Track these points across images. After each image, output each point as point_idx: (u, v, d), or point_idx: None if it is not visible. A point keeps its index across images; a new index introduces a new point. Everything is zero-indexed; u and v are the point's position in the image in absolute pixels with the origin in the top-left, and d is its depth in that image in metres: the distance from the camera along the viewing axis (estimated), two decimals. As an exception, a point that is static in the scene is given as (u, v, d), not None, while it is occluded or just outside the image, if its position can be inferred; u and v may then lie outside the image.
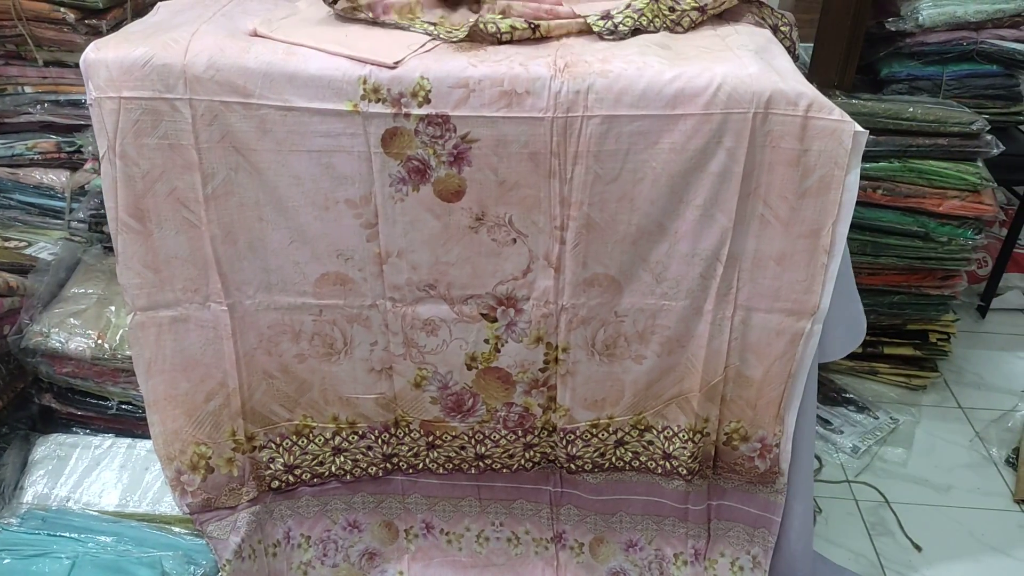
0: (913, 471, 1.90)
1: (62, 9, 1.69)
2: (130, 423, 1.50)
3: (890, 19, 2.16)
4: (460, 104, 1.12)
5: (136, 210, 1.20)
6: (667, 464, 1.40)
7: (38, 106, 1.81)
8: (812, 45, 2.18)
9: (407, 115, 1.14)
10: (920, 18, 2.06)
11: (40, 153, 1.82)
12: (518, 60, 1.14)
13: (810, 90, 1.16)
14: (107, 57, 1.15)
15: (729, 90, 1.14)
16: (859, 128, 1.16)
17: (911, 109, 1.93)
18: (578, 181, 1.17)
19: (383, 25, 1.23)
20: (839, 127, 1.16)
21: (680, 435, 1.38)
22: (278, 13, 1.27)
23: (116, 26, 1.74)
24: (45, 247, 1.65)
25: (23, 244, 1.66)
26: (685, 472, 1.39)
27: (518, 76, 1.12)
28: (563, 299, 1.26)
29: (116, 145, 1.17)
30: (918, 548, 1.69)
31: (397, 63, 1.13)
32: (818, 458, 1.88)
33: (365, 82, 1.12)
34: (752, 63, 1.17)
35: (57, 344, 1.43)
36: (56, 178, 1.82)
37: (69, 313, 1.46)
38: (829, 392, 2.09)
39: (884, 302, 2.09)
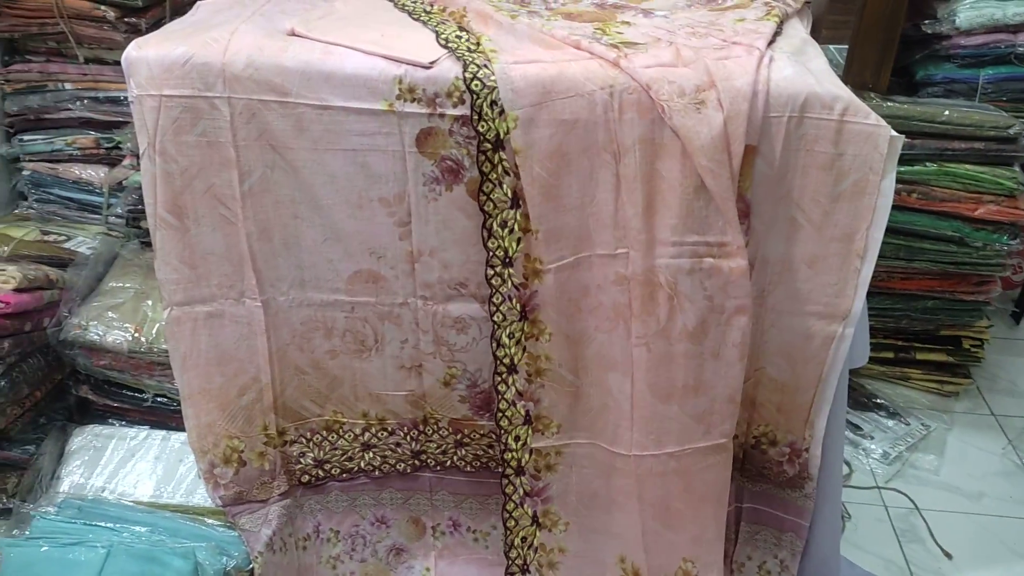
0: (945, 478, 1.88)
1: (103, 7, 1.73)
2: (164, 416, 1.53)
3: (926, 21, 2.14)
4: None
5: (174, 206, 1.22)
6: (695, 466, 1.40)
7: (78, 102, 1.85)
8: (847, 46, 2.17)
9: (442, 115, 1.15)
10: (957, 20, 2.04)
11: (79, 149, 1.87)
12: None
13: (846, 93, 1.16)
14: (148, 55, 1.17)
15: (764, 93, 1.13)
16: (895, 133, 1.15)
17: (947, 112, 1.91)
18: None
19: (422, 22, 1.25)
20: (875, 131, 1.16)
21: None
22: (315, 13, 1.29)
23: (155, 24, 1.78)
24: (84, 241, 1.68)
25: (62, 238, 1.69)
26: (713, 474, 1.39)
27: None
28: None
29: (156, 142, 1.19)
30: (948, 556, 1.68)
31: (432, 63, 1.14)
32: (848, 463, 1.87)
33: (400, 82, 1.13)
34: (788, 66, 1.17)
35: (95, 337, 1.46)
36: (94, 173, 1.86)
37: (107, 307, 1.49)
38: (860, 397, 2.07)
39: (917, 307, 2.07)
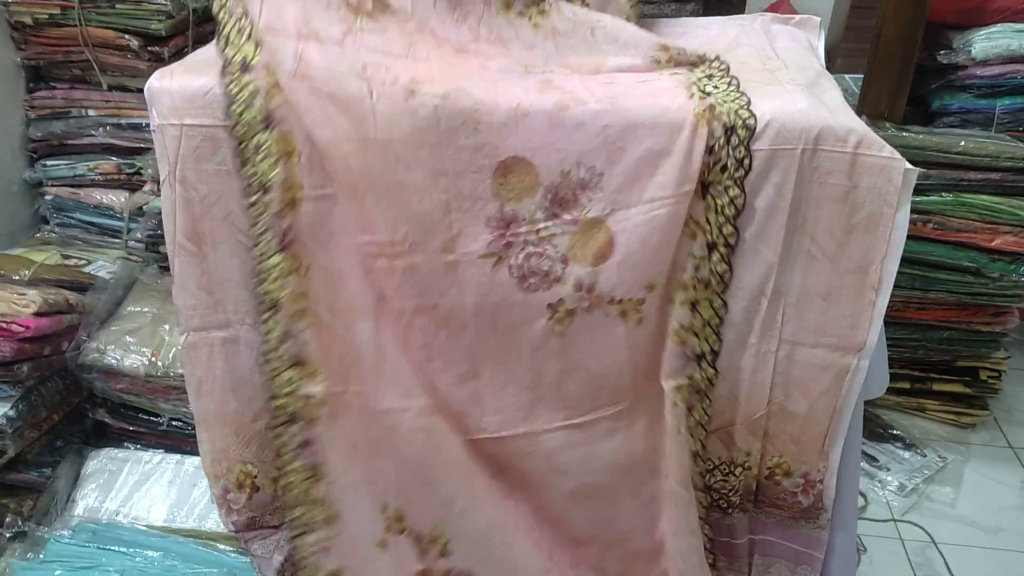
0: (962, 511, 1.86)
1: (127, 36, 1.77)
2: (179, 439, 1.54)
3: (942, 51, 2.15)
4: None
5: (193, 233, 1.23)
6: (707, 497, 1.39)
7: (100, 129, 1.88)
8: (863, 76, 2.17)
9: None
10: (973, 51, 2.04)
11: (101, 174, 1.90)
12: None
13: (860, 126, 1.16)
14: (170, 86, 1.19)
15: (778, 126, 1.14)
16: (909, 166, 1.15)
17: (963, 143, 1.91)
18: None
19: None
20: (889, 164, 1.16)
21: (720, 468, 1.37)
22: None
23: (177, 53, 1.81)
24: (103, 266, 1.70)
25: (82, 262, 1.71)
26: (725, 505, 1.38)
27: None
28: None
29: (177, 170, 1.20)
30: (965, 591, 1.66)
31: None
32: (863, 495, 1.85)
33: None
34: (801, 99, 1.17)
35: (113, 361, 1.47)
36: (115, 199, 1.89)
37: (125, 331, 1.50)
38: (876, 428, 2.05)
39: (933, 337, 2.05)
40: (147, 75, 1.78)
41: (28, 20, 1.80)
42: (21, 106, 1.91)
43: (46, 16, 1.79)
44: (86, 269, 1.69)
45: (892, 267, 1.20)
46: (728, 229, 1.21)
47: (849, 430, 1.30)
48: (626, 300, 1.24)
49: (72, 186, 1.92)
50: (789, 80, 1.23)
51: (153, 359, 1.47)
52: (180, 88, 1.19)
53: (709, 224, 1.21)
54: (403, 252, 1.20)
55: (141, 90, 1.84)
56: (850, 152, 1.15)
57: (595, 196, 1.19)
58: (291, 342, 1.25)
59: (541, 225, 1.21)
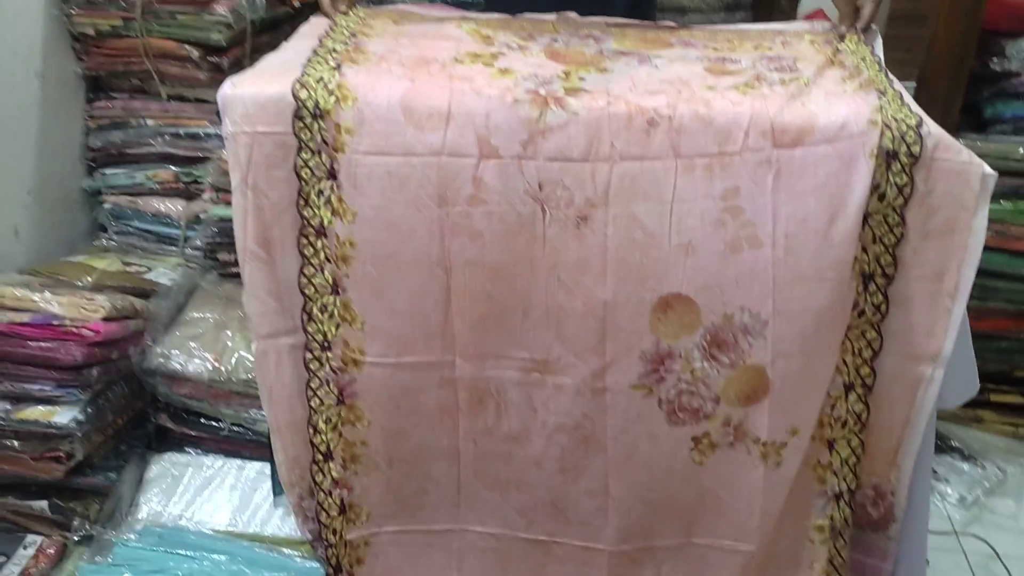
0: (1024, 525, 1.82)
1: (187, 47, 1.78)
2: (239, 445, 1.54)
3: (995, 59, 2.11)
4: None
5: (263, 240, 1.24)
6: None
7: (159, 138, 1.90)
8: (914, 84, 2.14)
9: None
10: (1026, 58, 2.01)
11: (159, 183, 1.91)
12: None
13: (937, 130, 1.14)
14: (243, 93, 1.20)
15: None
16: (988, 170, 1.14)
17: (1022, 150, 1.88)
18: None
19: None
20: (966, 168, 1.14)
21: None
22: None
23: (235, 63, 1.82)
24: (164, 273, 1.71)
25: (143, 269, 1.73)
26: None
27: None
28: None
29: (248, 177, 1.21)
30: (1033, 606, 1.62)
31: None
32: (922, 507, 1.81)
33: None
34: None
35: (177, 366, 1.48)
36: (173, 207, 1.90)
37: (188, 336, 1.51)
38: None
39: (991, 347, 2.01)
40: (206, 85, 1.82)
41: (90, 31, 1.82)
42: (81, 116, 1.93)
43: (108, 27, 1.81)
44: (147, 276, 1.70)
45: (969, 273, 1.18)
46: (865, 370, 1.23)
47: (922, 444, 1.28)
48: (769, 443, 1.26)
49: (130, 194, 1.93)
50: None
51: (216, 364, 1.47)
52: (252, 96, 1.20)
53: (846, 365, 1.23)
54: (556, 370, 1.25)
55: (200, 100, 1.88)
56: (927, 156, 1.13)
57: (757, 343, 1.21)
58: (343, 490, 1.33)
59: (697, 365, 1.23)
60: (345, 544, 1.35)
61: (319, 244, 1.22)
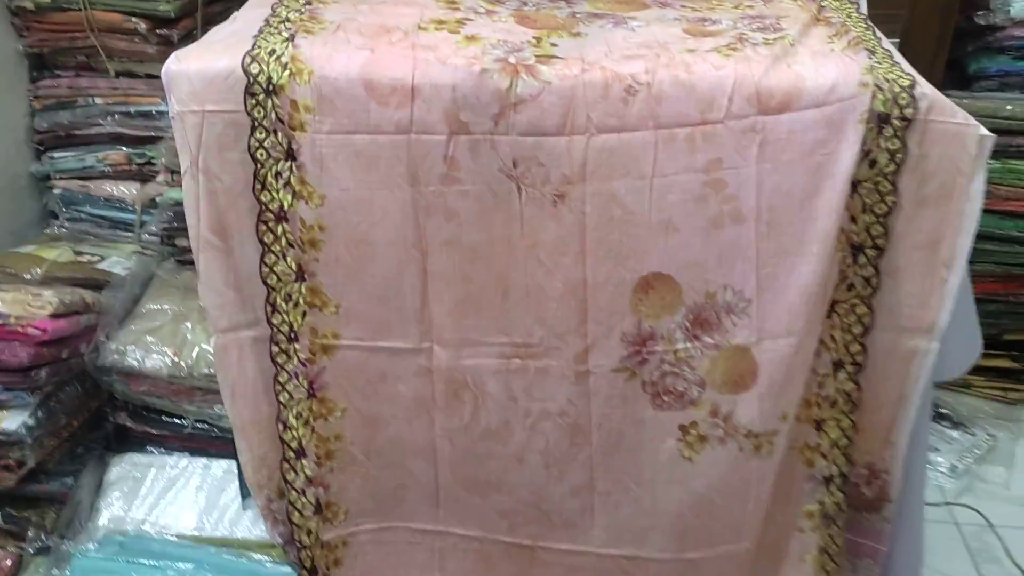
0: (1017, 492, 1.80)
1: (134, 19, 1.69)
2: (205, 442, 1.48)
3: (979, 12, 2.06)
4: None
5: (218, 226, 1.17)
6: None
7: (108, 117, 1.81)
8: (897, 40, 2.08)
9: None
10: (1012, 10, 1.95)
11: (111, 165, 1.83)
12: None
13: (931, 91, 1.09)
14: (189, 69, 1.12)
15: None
16: (985, 131, 1.08)
17: (1009, 107, 1.84)
18: None
19: None
20: (962, 131, 1.09)
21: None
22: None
23: (186, 36, 1.73)
24: (118, 262, 1.63)
25: (96, 259, 1.64)
26: (783, 496, 1.32)
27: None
28: None
29: (199, 160, 1.13)
30: (1028, 576, 1.60)
31: None
32: (913, 478, 1.79)
33: None
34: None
35: (134, 362, 1.41)
36: (127, 191, 1.82)
37: (145, 330, 1.44)
38: (921, 407, 1.99)
39: (980, 311, 1.97)
40: (156, 60, 1.73)
41: (29, 5, 1.72)
42: (25, 96, 1.83)
43: (49, 0, 1.71)
44: (100, 266, 1.62)
45: (966, 241, 1.12)
46: (855, 347, 1.18)
47: (917, 419, 1.24)
48: (762, 434, 1.21)
49: (81, 178, 1.85)
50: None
51: (176, 359, 1.40)
52: (199, 71, 1.12)
53: (835, 341, 1.18)
54: (538, 354, 1.20)
55: (150, 76, 1.79)
56: (920, 119, 1.07)
57: (741, 322, 1.16)
58: (319, 488, 1.26)
59: (680, 346, 1.18)
60: (321, 545, 1.29)
61: (279, 230, 1.15)
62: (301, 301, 1.18)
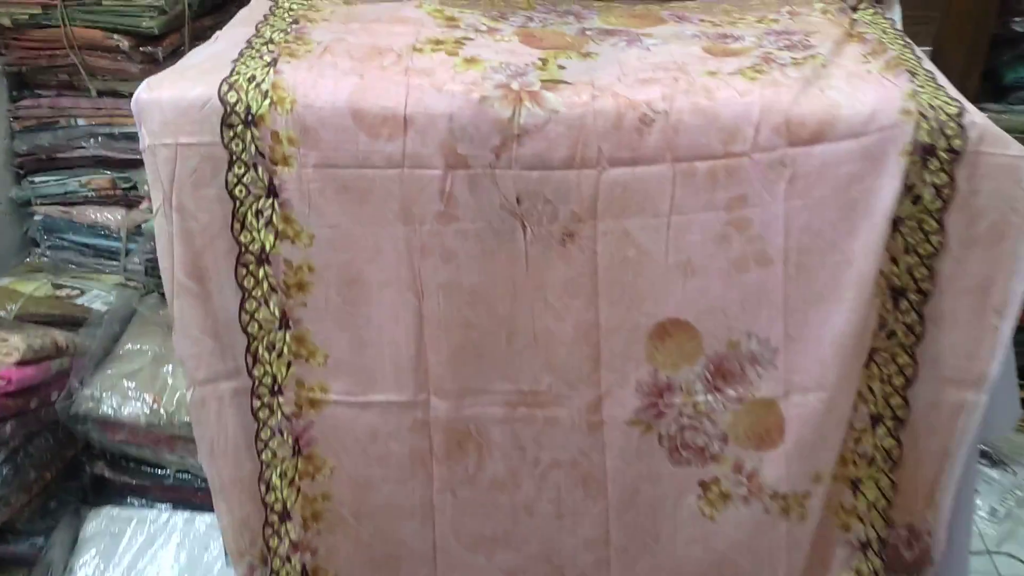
0: (1064, 539, 1.69)
1: (115, 36, 1.61)
2: (188, 493, 1.39)
3: (1017, 19, 1.95)
4: None
5: (195, 269, 1.08)
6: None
7: (92, 140, 1.73)
8: (929, 48, 1.98)
9: None
10: (1054, 17, 1.85)
11: (94, 190, 1.75)
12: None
13: (981, 119, 0.99)
14: (161, 98, 1.03)
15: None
16: (1043, 165, 0.98)
17: (1051, 123, 1.72)
18: None
19: None
20: (1017, 164, 0.99)
21: None
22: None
23: (173, 53, 1.65)
24: (99, 296, 1.55)
25: (75, 292, 1.56)
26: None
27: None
28: None
29: (172, 197, 1.05)
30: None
31: None
32: (951, 523, 1.68)
33: None
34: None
35: (109, 410, 1.32)
36: (111, 217, 1.74)
37: (123, 374, 1.35)
38: (957, 443, 1.88)
39: (1019, 340, 1.86)
40: (140, 78, 1.63)
41: (6, 21, 1.64)
42: (4, 117, 1.75)
43: (26, 16, 1.64)
44: (79, 300, 1.53)
45: (1020, 286, 1.02)
46: (896, 400, 1.08)
47: (963, 477, 1.13)
48: (791, 495, 1.11)
49: (63, 204, 1.77)
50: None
51: (155, 406, 1.32)
52: (172, 100, 1.03)
53: (874, 394, 1.08)
54: (546, 403, 1.11)
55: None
56: (970, 151, 0.97)
57: (767, 373, 1.07)
58: (305, 553, 1.16)
59: (700, 398, 1.09)
60: None
61: (261, 273, 1.07)
62: (286, 351, 1.09)
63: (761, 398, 1.08)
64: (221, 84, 1.00)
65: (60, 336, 1.35)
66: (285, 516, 1.15)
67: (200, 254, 1.07)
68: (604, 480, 1.14)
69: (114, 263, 1.74)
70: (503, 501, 1.16)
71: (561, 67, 1.06)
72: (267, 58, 1.05)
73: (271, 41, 1.10)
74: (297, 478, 1.14)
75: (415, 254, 1.04)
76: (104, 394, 1.32)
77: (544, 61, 1.07)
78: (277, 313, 1.07)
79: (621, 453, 1.13)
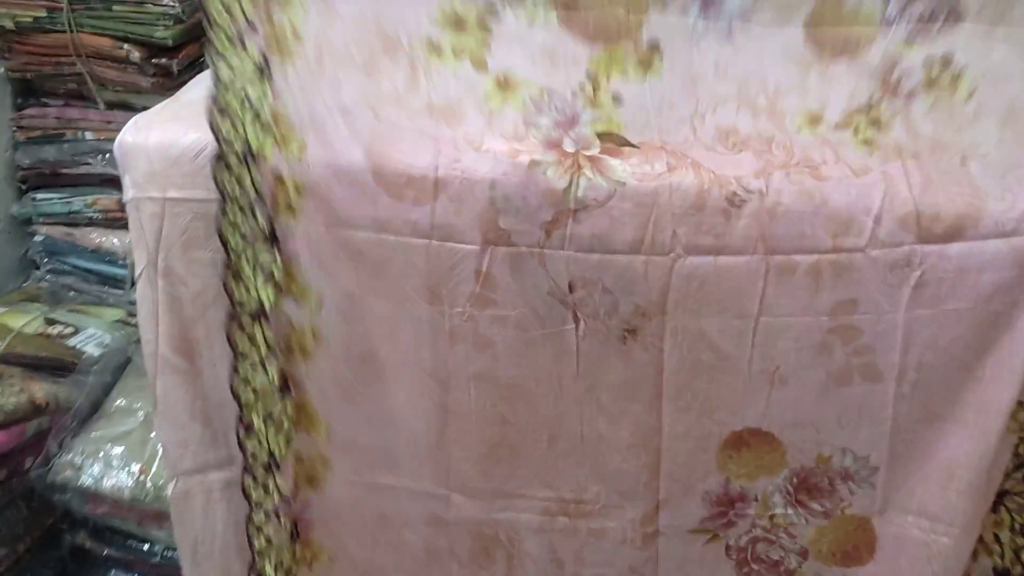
0: None
1: (126, 46, 1.45)
2: (177, 571, 1.23)
3: None
4: None
5: (182, 344, 0.93)
6: None
7: (99, 156, 1.58)
8: None
9: None
10: None
11: (100, 211, 1.60)
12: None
13: None
14: (148, 143, 0.87)
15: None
16: None
17: None
18: None
19: None
20: None
21: None
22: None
23: (190, 65, 1.49)
24: (93, 336, 1.40)
25: (68, 330, 1.41)
26: None
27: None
28: None
29: (159, 260, 0.89)
30: None
31: None
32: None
33: None
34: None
35: (90, 481, 1.17)
36: (118, 242, 1.59)
37: (109, 437, 1.21)
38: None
39: None
40: (153, 93, 1.49)
41: (9, 24, 1.51)
42: (7, 126, 1.61)
43: (30, 20, 1.49)
44: (72, 341, 1.38)
45: None
46: None
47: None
48: None
49: (67, 224, 1.62)
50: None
51: (142, 477, 1.17)
52: (161, 146, 0.87)
53: (1000, 544, 0.90)
54: (592, 513, 0.96)
55: (147, 109, 1.55)
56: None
57: (861, 492, 0.91)
58: None
59: (778, 511, 0.94)
60: None
61: (258, 332, 0.90)
62: (286, 423, 0.93)
63: (851, 514, 0.92)
64: (209, 107, 0.83)
65: (40, 392, 1.20)
66: None
67: (189, 326, 0.92)
68: None
69: (118, 291, 1.60)
70: None
71: (617, 99, 0.86)
72: (255, 55, 0.84)
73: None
74: (293, 566, 0.98)
75: (441, 338, 0.89)
76: (86, 461, 1.18)
77: (594, 83, 0.87)
78: (275, 378, 0.91)
79: (679, 566, 0.98)
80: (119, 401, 1.26)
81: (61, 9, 1.45)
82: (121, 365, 1.34)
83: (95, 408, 1.27)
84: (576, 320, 0.86)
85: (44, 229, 1.63)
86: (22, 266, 1.67)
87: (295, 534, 0.98)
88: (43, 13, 1.48)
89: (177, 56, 1.47)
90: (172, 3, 1.43)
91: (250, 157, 0.83)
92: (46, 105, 1.61)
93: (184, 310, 0.91)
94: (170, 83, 1.48)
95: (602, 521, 0.97)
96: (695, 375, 0.87)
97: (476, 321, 0.87)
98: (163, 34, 1.43)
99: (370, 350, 0.91)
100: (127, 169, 0.89)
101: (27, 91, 1.62)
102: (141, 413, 1.23)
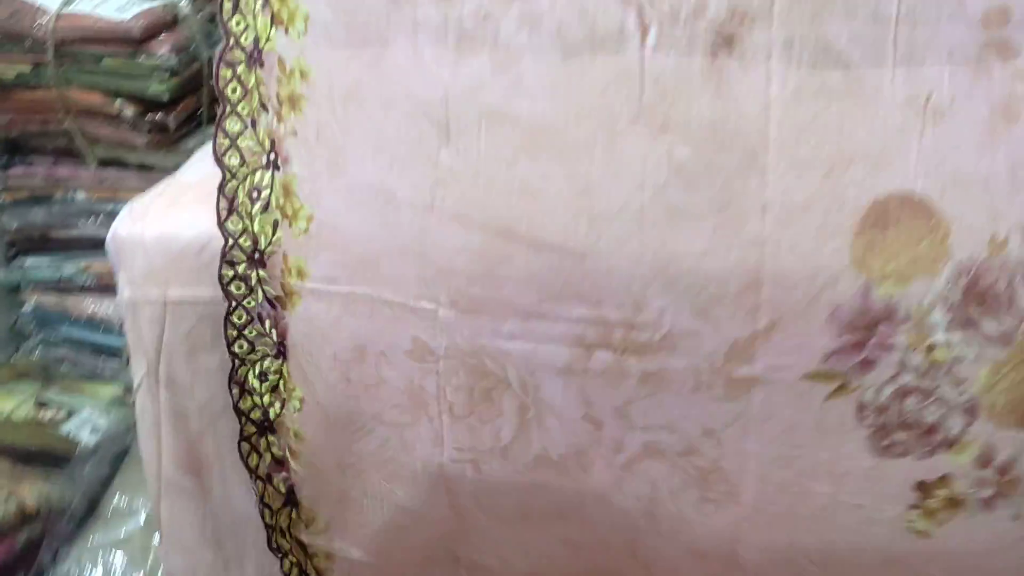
0: None
1: (118, 102, 1.35)
2: None
3: None
4: None
5: (189, 460, 0.83)
6: None
7: (92, 218, 1.48)
8: None
9: None
10: None
11: (94, 277, 1.49)
12: None
13: None
14: (145, 236, 0.77)
15: None
16: None
17: None
18: None
19: None
20: None
21: None
22: None
23: (188, 119, 1.39)
24: (88, 420, 1.28)
25: (61, 415, 1.30)
26: None
27: None
28: None
29: (159, 368, 0.79)
30: None
31: None
32: None
33: None
34: None
35: (88, 596, 1.06)
36: (113, 309, 1.48)
37: (109, 542, 1.10)
38: None
39: None
40: (148, 150, 1.38)
41: (-9, 81, 1.40)
42: (-7, 187, 1.51)
43: (13, 75, 1.39)
44: (65, 428, 1.26)
45: None
46: None
47: None
48: None
49: (57, 291, 1.52)
50: None
51: (146, 589, 1.05)
52: (160, 240, 0.77)
53: None
54: (648, 346, 0.65)
55: (143, 166, 1.46)
56: None
57: None
58: (285, 473, 0.84)
59: (939, 337, 0.61)
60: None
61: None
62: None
63: None
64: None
65: (30, 495, 1.09)
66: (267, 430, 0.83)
67: (196, 441, 0.82)
68: (741, 480, 0.69)
69: (114, 363, 1.49)
70: (563, 484, 0.73)
71: None
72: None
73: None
74: (280, 385, 0.81)
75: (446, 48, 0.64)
76: (84, 573, 1.07)
77: None
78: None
79: (785, 434, 0.66)
80: (116, 499, 1.15)
81: (47, 64, 1.35)
82: (119, 455, 1.23)
83: (92, 506, 1.16)
84: (643, 25, 0.60)
85: (34, 297, 1.53)
86: (11, 337, 1.57)
87: (281, 352, 0.79)
88: (27, 68, 1.38)
89: (173, 111, 1.36)
90: (165, 55, 1.33)
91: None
92: (33, 164, 1.51)
93: (190, 423, 0.81)
94: (166, 139, 1.38)
95: (665, 358, 0.65)
96: (818, 109, 0.59)
97: (498, 22, 0.62)
98: (157, 88, 1.32)
99: None
100: (122, 266, 0.79)
101: (13, 148, 1.52)
102: (142, 513, 1.13)
